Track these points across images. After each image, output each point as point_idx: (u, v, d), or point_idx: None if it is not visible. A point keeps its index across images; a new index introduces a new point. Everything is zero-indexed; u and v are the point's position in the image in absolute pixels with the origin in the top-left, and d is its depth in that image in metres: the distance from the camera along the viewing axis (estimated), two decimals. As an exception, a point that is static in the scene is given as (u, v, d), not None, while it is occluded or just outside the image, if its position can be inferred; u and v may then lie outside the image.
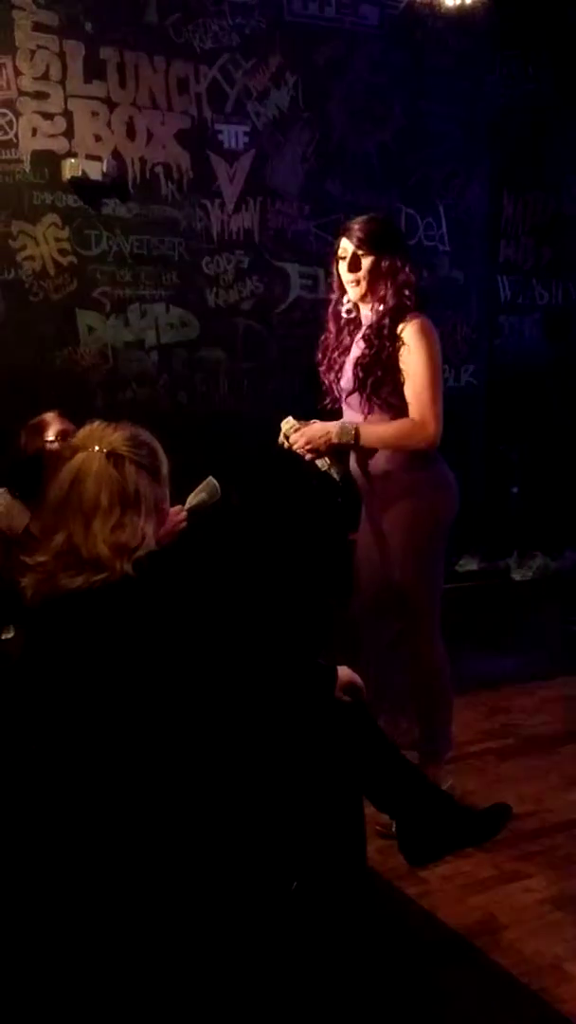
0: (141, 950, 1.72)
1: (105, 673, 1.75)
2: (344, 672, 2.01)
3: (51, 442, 2.73)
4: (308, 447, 2.77)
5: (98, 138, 4.16)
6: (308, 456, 2.80)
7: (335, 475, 2.84)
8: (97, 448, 1.86)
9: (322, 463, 2.82)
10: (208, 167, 4.42)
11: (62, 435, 2.71)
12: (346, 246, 2.79)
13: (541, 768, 3.27)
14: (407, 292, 2.75)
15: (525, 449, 5.43)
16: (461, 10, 4.63)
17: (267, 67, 4.52)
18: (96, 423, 1.94)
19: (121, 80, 4.20)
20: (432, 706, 2.91)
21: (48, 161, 4.05)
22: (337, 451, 2.81)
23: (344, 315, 2.89)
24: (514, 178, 5.35)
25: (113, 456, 1.85)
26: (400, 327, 2.72)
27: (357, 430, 2.73)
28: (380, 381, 2.73)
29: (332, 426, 2.78)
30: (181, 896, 1.73)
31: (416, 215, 5.01)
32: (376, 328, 2.75)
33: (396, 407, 2.74)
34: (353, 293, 2.82)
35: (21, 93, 3.97)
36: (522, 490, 5.45)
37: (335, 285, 2.90)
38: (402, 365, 2.71)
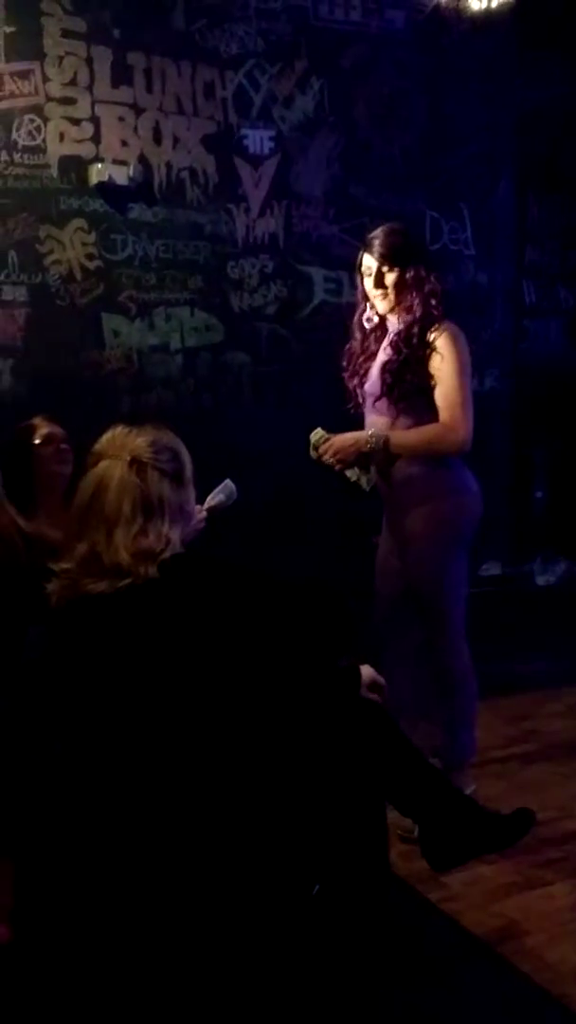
0: (161, 950, 1.73)
1: (127, 674, 1.76)
2: (367, 671, 2.01)
3: (39, 445, 2.73)
4: (338, 457, 2.77)
5: (125, 143, 4.19)
6: (338, 467, 2.80)
7: (365, 485, 2.84)
8: (119, 455, 1.85)
9: (352, 473, 2.81)
10: (234, 172, 4.44)
11: (49, 438, 2.72)
12: (369, 263, 2.80)
13: (565, 774, 3.25)
14: (434, 301, 2.75)
15: (550, 453, 5.41)
16: (487, 13, 4.63)
17: (293, 72, 4.54)
18: (119, 428, 1.93)
19: (148, 85, 4.23)
20: (456, 711, 2.90)
21: (75, 166, 4.08)
22: (364, 459, 2.80)
23: (366, 324, 2.90)
24: (539, 181, 5.33)
25: (136, 463, 1.84)
26: (431, 335, 2.72)
27: (387, 438, 2.73)
28: (409, 385, 2.72)
29: (361, 435, 2.78)
30: (202, 898, 1.73)
31: (441, 219, 5.00)
32: (404, 336, 2.75)
33: (425, 412, 2.74)
34: (381, 307, 2.83)
35: (49, 99, 4.01)
36: (547, 494, 5.42)
37: (360, 296, 2.90)
38: (433, 371, 2.71)
